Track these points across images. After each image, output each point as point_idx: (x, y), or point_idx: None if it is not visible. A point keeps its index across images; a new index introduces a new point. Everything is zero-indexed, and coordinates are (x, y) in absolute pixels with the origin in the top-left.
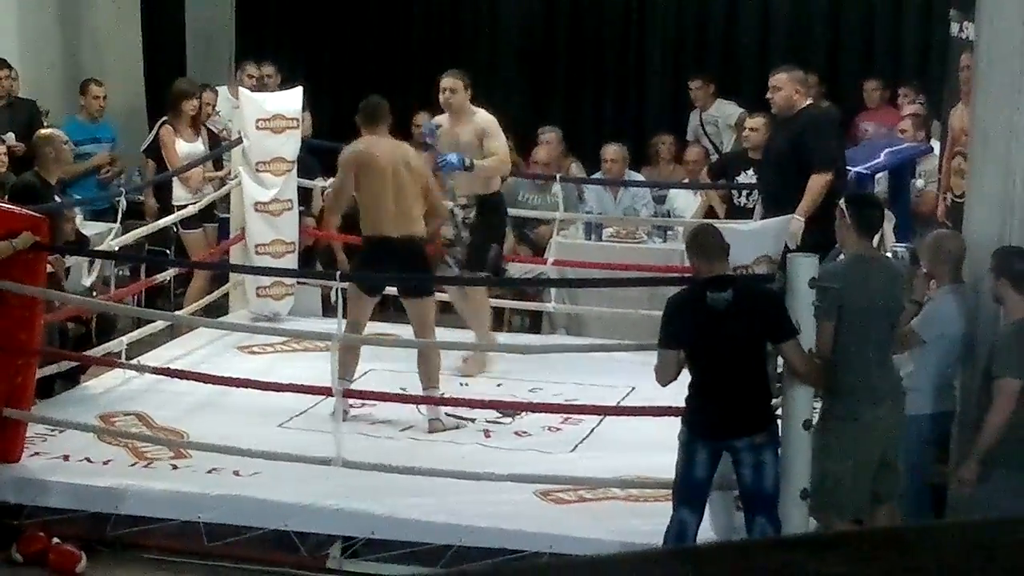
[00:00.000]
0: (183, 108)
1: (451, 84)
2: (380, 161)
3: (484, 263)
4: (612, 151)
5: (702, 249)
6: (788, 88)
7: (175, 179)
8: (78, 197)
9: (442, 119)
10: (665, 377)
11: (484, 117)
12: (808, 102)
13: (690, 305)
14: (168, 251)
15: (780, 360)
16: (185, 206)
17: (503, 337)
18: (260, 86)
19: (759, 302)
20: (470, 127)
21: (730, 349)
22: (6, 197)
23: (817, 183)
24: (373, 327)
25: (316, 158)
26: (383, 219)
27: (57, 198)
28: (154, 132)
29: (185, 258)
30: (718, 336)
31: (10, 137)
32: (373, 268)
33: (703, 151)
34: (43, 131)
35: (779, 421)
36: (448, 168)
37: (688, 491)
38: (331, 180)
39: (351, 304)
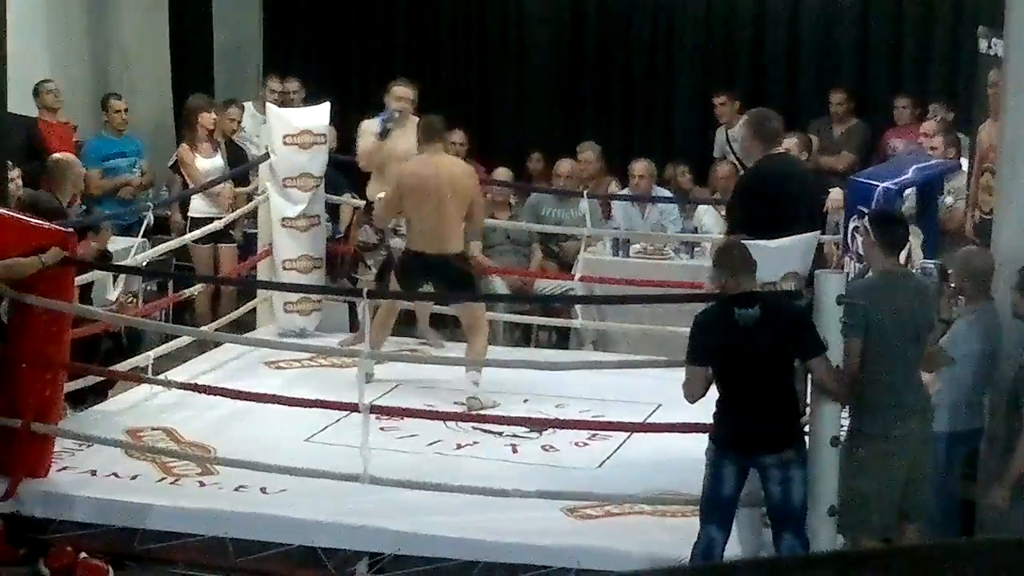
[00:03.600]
0: (199, 123)
1: (409, 94)
2: (424, 180)
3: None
4: (640, 167)
5: (729, 266)
6: (744, 132)
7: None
8: (107, 212)
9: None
10: (693, 394)
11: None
12: (775, 151)
13: (718, 322)
14: (195, 266)
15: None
16: (202, 218)
17: (529, 353)
18: (286, 101)
19: (787, 318)
20: (413, 133)
21: (758, 366)
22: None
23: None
24: (398, 343)
25: (343, 173)
26: (424, 237)
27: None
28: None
29: (192, 271)
30: (746, 353)
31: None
32: (410, 278)
33: (732, 168)
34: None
35: (807, 438)
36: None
37: (716, 507)
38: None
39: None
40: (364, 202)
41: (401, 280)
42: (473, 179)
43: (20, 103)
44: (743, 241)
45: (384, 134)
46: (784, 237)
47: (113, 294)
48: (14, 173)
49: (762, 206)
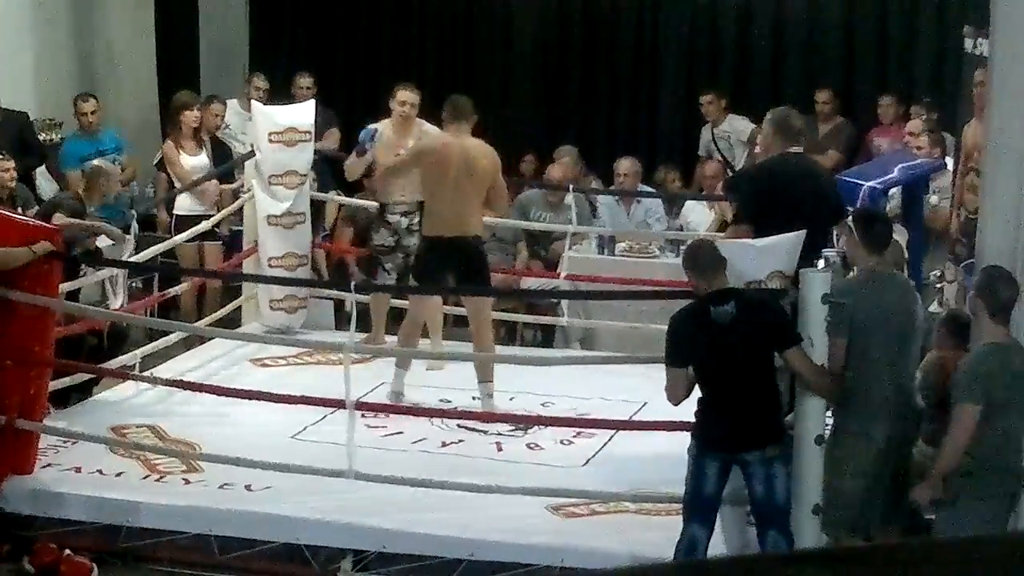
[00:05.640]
0: (183, 121)
1: (413, 99)
2: (445, 160)
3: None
4: (625, 165)
5: (698, 266)
6: (766, 130)
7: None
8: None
9: (383, 128)
10: (676, 396)
11: (430, 127)
12: (789, 149)
13: (694, 321)
14: (180, 264)
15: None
16: (188, 216)
17: (515, 351)
18: (300, 96)
19: (762, 312)
20: (418, 135)
21: (737, 362)
22: (35, 212)
23: (728, 233)
24: (387, 338)
25: (330, 168)
26: (441, 219)
27: None
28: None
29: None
30: (725, 349)
31: None
32: (430, 267)
33: (719, 166)
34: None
35: (790, 435)
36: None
37: (699, 505)
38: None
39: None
40: (374, 203)
41: (421, 272)
42: (494, 162)
43: (6, 99)
44: (717, 241)
45: (362, 151)
46: (784, 233)
47: (116, 301)
48: (8, 164)
49: (767, 201)
